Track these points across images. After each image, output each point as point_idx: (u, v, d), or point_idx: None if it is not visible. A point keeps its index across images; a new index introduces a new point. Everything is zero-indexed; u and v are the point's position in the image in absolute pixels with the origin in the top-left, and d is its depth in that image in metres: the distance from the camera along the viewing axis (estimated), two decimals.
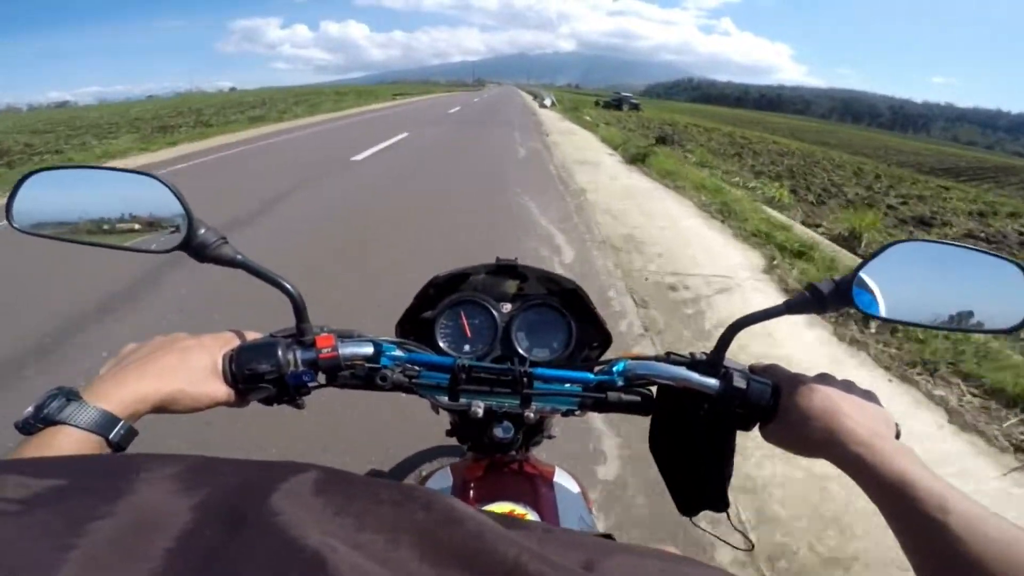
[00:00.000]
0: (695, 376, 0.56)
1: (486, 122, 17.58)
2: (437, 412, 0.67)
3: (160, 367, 0.47)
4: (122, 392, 0.44)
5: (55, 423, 0.40)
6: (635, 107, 39.17)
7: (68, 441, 0.39)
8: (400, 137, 11.43)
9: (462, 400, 0.60)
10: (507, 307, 0.71)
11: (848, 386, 0.51)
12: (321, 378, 0.56)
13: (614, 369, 0.60)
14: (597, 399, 0.60)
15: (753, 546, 0.61)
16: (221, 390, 0.50)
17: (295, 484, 0.25)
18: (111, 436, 0.41)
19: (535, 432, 0.74)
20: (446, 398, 0.60)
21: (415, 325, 0.72)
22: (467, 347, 0.69)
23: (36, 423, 0.40)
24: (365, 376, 0.58)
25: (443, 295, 0.72)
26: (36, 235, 0.51)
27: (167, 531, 0.22)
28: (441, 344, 0.69)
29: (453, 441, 0.78)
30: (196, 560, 0.21)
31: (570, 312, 0.70)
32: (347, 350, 0.56)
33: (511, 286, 0.73)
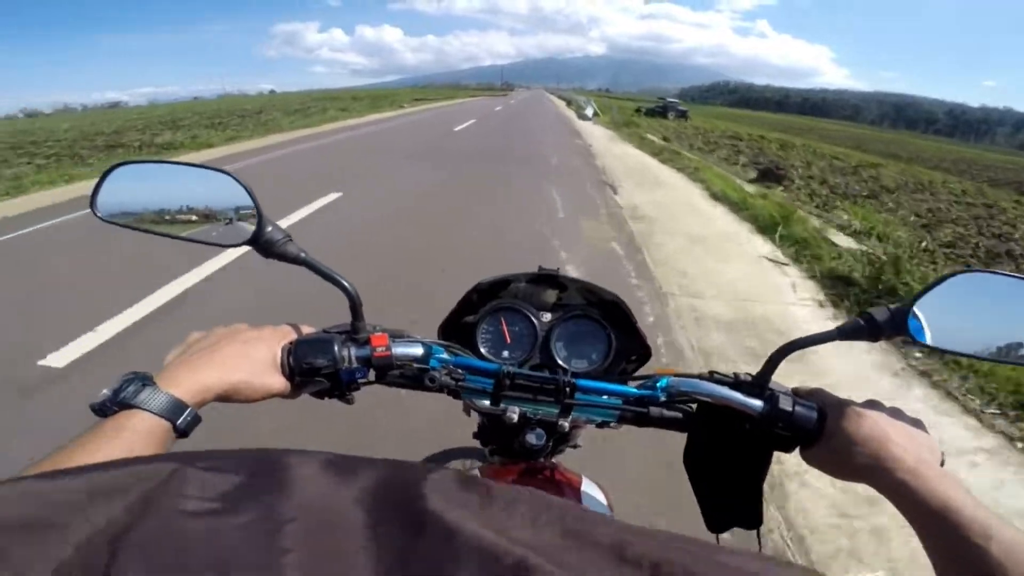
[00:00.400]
0: (740, 396, 0.56)
1: (503, 154, 9.66)
2: (468, 414, 0.69)
3: (225, 357, 0.49)
4: (191, 380, 0.45)
5: (129, 407, 0.42)
6: (683, 115, 32.49)
7: (140, 425, 0.41)
8: (317, 208, 5.34)
9: (501, 405, 0.61)
10: (547, 316, 0.72)
11: (896, 413, 0.51)
12: (371, 375, 0.58)
13: (657, 385, 0.60)
14: (638, 413, 0.60)
15: None
16: (279, 382, 0.51)
17: (439, 482, 0.26)
18: (179, 422, 0.43)
19: (562, 441, 0.74)
20: (487, 402, 0.61)
21: (457, 329, 0.73)
22: (506, 353, 0.71)
23: (112, 406, 0.42)
24: (413, 376, 0.59)
25: (485, 301, 0.73)
26: (115, 224, 0.54)
27: (352, 529, 0.22)
28: (482, 349, 0.70)
29: (474, 444, 0.79)
30: (392, 561, 0.21)
31: (610, 324, 0.71)
32: (399, 350, 0.58)
33: (551, 295, 0.74)
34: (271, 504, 0.23)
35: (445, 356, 0.61)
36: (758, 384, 0.57)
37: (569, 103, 39.71)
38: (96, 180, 0.52)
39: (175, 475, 0.24)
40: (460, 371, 0.61)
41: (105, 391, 0.43)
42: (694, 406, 0.61)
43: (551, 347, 0.70)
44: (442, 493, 0.25)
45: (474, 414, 0.70)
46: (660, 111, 32.43)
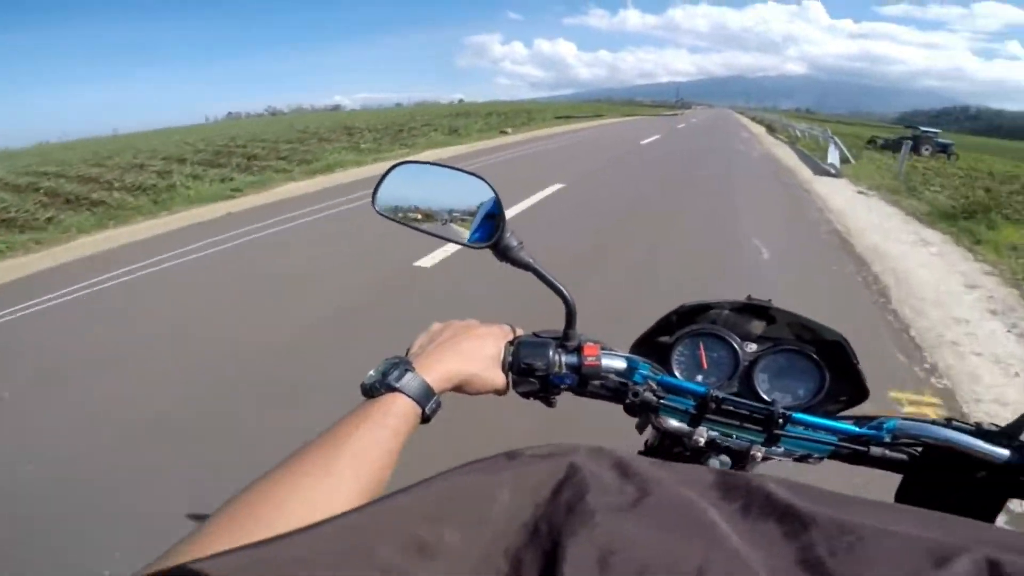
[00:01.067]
0: (983, 444, 0.54)
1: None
2: (641, 432, 0.69)
3: (466, 349, 0.53)
4: (440, 368, 0.49)
5: (394, 390, 0.45)
6: (945, 150, 22.07)
7: (401, 408, 0.45)
8: None
9: (698, 428, 0.61)
10: (752, 346, 0.71)
11: None
12: (575, 382, 0.60)
13: (884, 426, 0.58)
14: (856, 451, 0.59)
15: None
16: (500, 378, 0.55)
17: (762, 479, 0.29)
18: (427, 408, 0.46)
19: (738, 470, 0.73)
20: (685, 424, 0.62)
21: (649, 347, 0.73)
22: (700, 377, 0.70)
23: (380, 388, 0.45)
24: (615, 389, 0.61)
25: (683, 324, 0.73)
26: (387, 218, 0.62)
27: (762, 528, 0.25)
28: (675, 370, 0.70)
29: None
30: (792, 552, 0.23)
31: (826, 363, 0.67)
32: (606, 362, 0.60)
33: (757, 326, 0.72)
34: (657, 503, 0.25)
35: (648, 372, 0.62)
36: (1007, 434, 0.54)
37: (771, 130, 27.45)
38: (377, 179, 0.60)
39: (574, 471, 0.27)
40: (660, 388, 0.62)
41: (372, 372, 0.47)
42: (919, 449, 0.58)
43: (753, 378, 0.68)
44: (781, 485, 0.27)
45: (645, 434, 0.70)
46: (914, 145, 19.00)
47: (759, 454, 0.60)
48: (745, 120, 43.12)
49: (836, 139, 13.01)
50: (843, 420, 0.61)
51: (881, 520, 0.24)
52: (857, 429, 0.59)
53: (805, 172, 10.74)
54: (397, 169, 0.60)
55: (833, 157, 11.21)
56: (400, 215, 0.62)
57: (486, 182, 0.58)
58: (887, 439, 0.58)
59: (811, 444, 0.60)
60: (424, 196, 0.61)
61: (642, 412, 0.64)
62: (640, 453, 0.78)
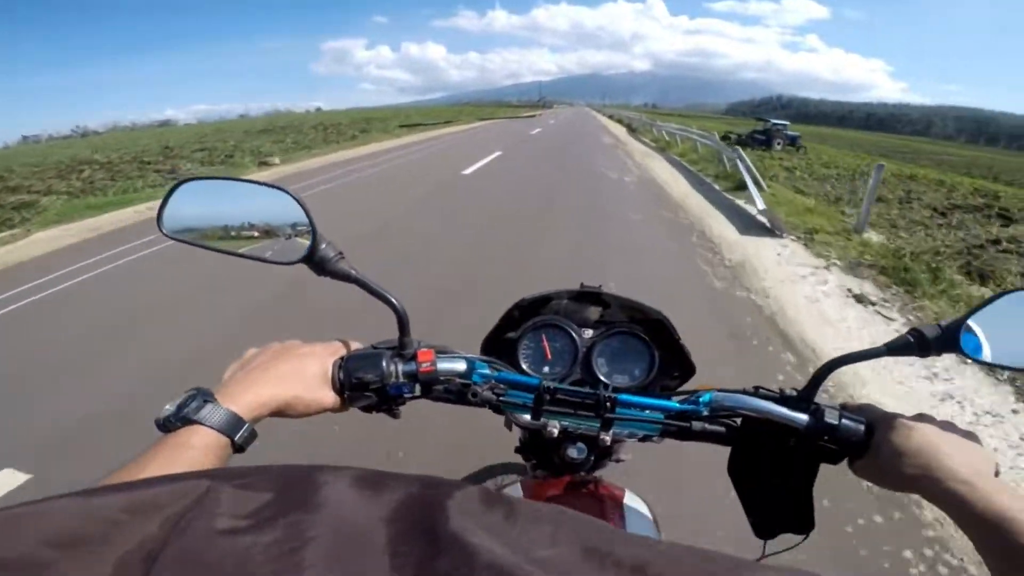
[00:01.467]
0: (785, 411, 0.57)
1: None
2: (510, 429, 0.71)
3: (281, 373, 0.51)
4: (249, 396, 0.48)
5: (192, 422, 0.43)
6: (794, 142, 21.23)
7: (201, 441, 0.43)
8: None
9: (542, 419, 0.63)
10: (588, 332, 0.74)
11: (948, 426, 0.51)
12: (416, 390, 0.60)
13: (700, 400, 0.62)
14: (680, 427, 0.62)
15: None
16: (330, 397, 0.54)
17: (464, 500, 0.27)
18: (236, 437, 0.45)
19: (605, 455, 0.76)
20: (528, 417, 0.63)
21: (499, 345, 0.75)
22: (547, 368, 0.73)
23: (176, 421, 0.44)
24: (457, 391, 0.61)
25: (526, 317, 0.75)
26: (178, 240, 0.57)
27: (373, 547, 0.23)
28: (523, 364, 0.73)
29: (517, 459, 0.81)
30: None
31: (654, 341, 0.72)
32: (443, 365, 0.60)
33: (593, 312, 0.76)
34: (297, 522, 0.24)
35: (487, 371, 0.63)
36: (804, 399, 0.58)
37: (633, 130, 24.05)
38: (161, 198, 0.55)
39: (209, 493, 0.25)
40: (502, 386, 0.63)
41: (168, 406, 0.45)
42: (738, 420, 0.62)
43: (592, 363, 0.72)
44: (465, 512, 0.26)
45: (516, 429, 0.72)
46: (761, 140, 20.52)
47: (607, 438, 0.62)
48: (603, 119, 40.02)
49: (742, 155, 8.08)
50: (668, 397, 0.64)
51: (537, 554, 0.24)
52: (679, 405, 0.62)
53: (718, 225, 5.95)
54: (185, 186, 0.56)
55: (755, 194, 6.56)
56: (194, 236, 0.58)
57: (290, 194, 0.55)
58: (706, 413, 0.61)
59: (642, 424, 0.63)
60: (221, 213, 0.57)
61: (494, 410, 0.64)
62: (516, 450, 0.80)
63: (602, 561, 0.24)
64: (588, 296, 0.76)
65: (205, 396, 0.45)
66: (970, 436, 0.51)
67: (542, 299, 0.75)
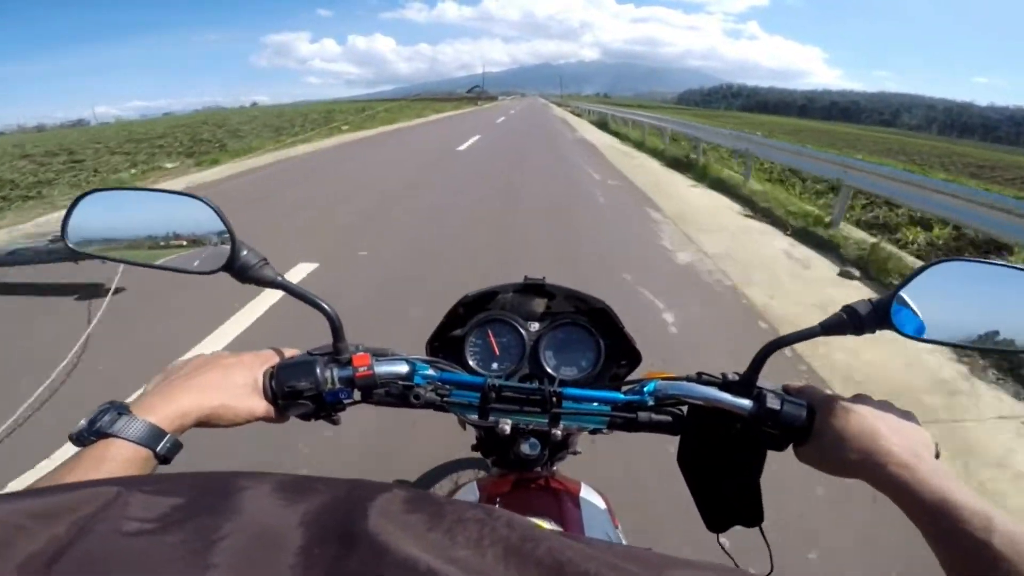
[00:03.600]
0: (728, 397, 0.57)
1: None
2: (464, 428, 0.70)
3: (203, 383, 0.51)
4: (168, 407, 0.47)
5: (107, 436, 0.43)
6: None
7: (120, 453, 0.43)
8: None
9: (491, 418, 0.63)
10: (535, 326, 0.75)
11: (886, 407, 0.52)
12: (356, 395, 0.59)
13: (644, 389, 0.62)
14: (626, 418, 0.62)
15: (772, 569, 0.60)
16: (261, 406, 0.53)
17: (386, 502, 0.28)
18: (158, 449, 0.45)
19: (560, 448, 0.76)
20: (475, 416, 0.63)
21: (445, 343, 0.75)
22: (495, 365, 0.73)
23: (89, 436, 0.43)
24: (399, 394, 0.61)
25: (472, 314, 0.75)
26: (88, 254, 0.55)
27: (285, 548, 0.24)
28: (470, 362, 0.73)
29: (476, 455, 0.81)
30: None
31: (599, 331, 0.73)
32: (382, 369, 0.59)
33: (539, 304, 0.77)
34: (208, 524, 0.24)
35: (430, 372, 0.63)
36: (745, 383, 0.58)
37: (603, 127, 19.49)
38: (66, 210, 0.53)
39: (119, 497, 0.26)
40: (446, 386, 0.63)
41: (82, 421, 0.44)
42: (684, 409, 0.62)
43: (540, 357, 0.72)
44: (386, 513, 0.27)
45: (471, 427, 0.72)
46: None
47: (559, 433, 0.63)
48: (561, 112, 35.16)
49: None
50: (615, 388, 0.64)
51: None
52: (623, 396, 0.62)
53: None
54: (90, 198, 0.54)
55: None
56: (105, 249, 0.56)
57: (205, 202, 0.54)
58: (651, 402, 0.62)
59: (589, 418, 0.63)
60: (132, 224, 0.56)
61: (439, 411, 0.64)
62: (473, 448, 0.80)
63: (522, 560, 0.25)
64: (533, 289, 0.76)
65: (119, 409, 0.45)
66: (908, 417, 0.52)
67: (487, 294, 0.75)
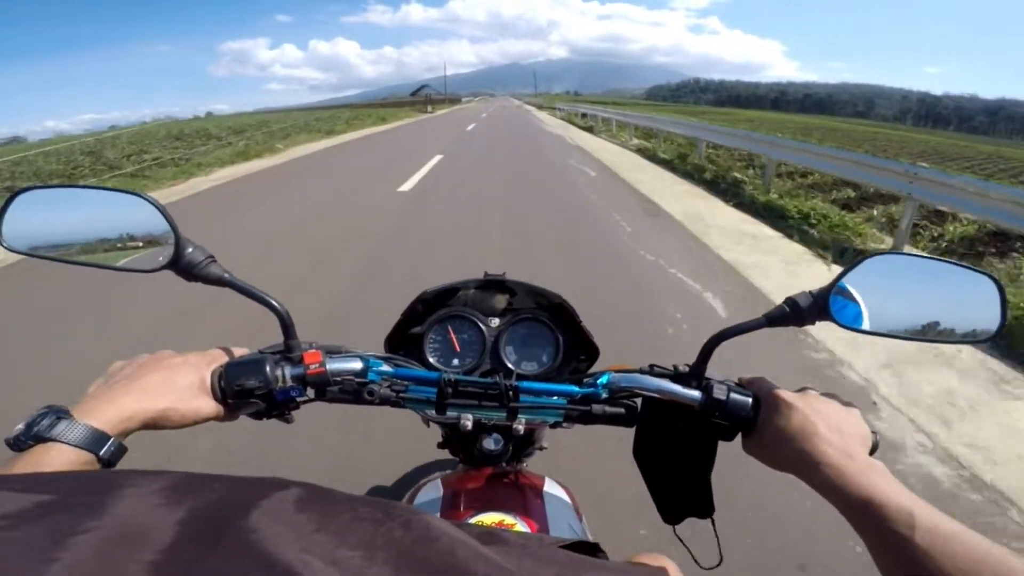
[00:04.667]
0: (677, 388, 0.59)
1: None
2: (428, 425, 0.71)
3: (147, 385, 0.50)
4: (111, 410, 0.46)
5: (45, 440, 0.42)
6: None
7: (59, 458, 0.42)
8: None
9: (450, 413, 0.63)
10: (495, 321, 0.76)
11: (829, 400, 0.53)
12: (310, 393, 0.60)
13: (598, 382, 0.63)
14: (582, 411, 0.63)
15: (721, 561, 0.62)
16: (209, 406, 0.53)
17: (277, 500, 0.27)
18: (101, 453, 0.44)
19: (525, 444, 0.78)
20: (434, 412, 0.63)
21: (405, 340, 0.76)
22: (456, 361, 0.74)
23: (27, 440, 0.42)
24: (353, 391, 0.61)
25: (432, 310, 0.76)
26: (26, 254, 0.54)
27: (149, 546, 0.23)
28: (430, 359, 0.73)
29: (447, 455, 0.83)
30: (176, 575, 0.22)
31: (558, 326, 0.74)
32: (335, 365, 0.59)
33: (500, 300, 0.78)
34: (66, 521, 0.24)
35: (385, 368, 0.63)
36: (694, 375, 0.60)
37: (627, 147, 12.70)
38: None
39: None
40: (403, 383, 0.63)
41: (19, 425, 0.43)
42: (638, 401, 0.63)
43: (500, 352, 0.73)
44: (270, 512, 0.26)
45: (436, 426, 0.73)
46: None
47: (520, 427, 0.64)
48: (550, 120, 27.10)
49: None
50: (573, 382, 0.65)
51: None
52: (578, 389, 0.63)
53: None
54: (25, 196, 0.53)
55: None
56: (41, 249, 0.55)
57: (146, 199, 0.53)
58: (604, 395, 0.63)
59: (545, 412, 0.64)
60: (72, 223, 0.55)
61: (394, 407, 0.64)
62: (439, 446, 0.81)
63: (413, 563, 0.25)
64: (494, 285, 0.77)
65: (58, 413, 0.44)
66: (849, 411, 0.53)
67: (448, 291, 0.76)
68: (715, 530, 0.63)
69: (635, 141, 14.01)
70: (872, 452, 0.50)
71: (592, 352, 0.76)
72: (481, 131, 19.36)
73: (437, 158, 10.44)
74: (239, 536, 0.24)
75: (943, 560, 0.37)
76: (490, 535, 0.31)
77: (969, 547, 0.37)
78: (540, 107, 45.19)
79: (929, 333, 0.54)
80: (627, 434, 0.65)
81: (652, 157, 10.88)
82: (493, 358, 0.74)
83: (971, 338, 0.54)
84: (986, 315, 0.52)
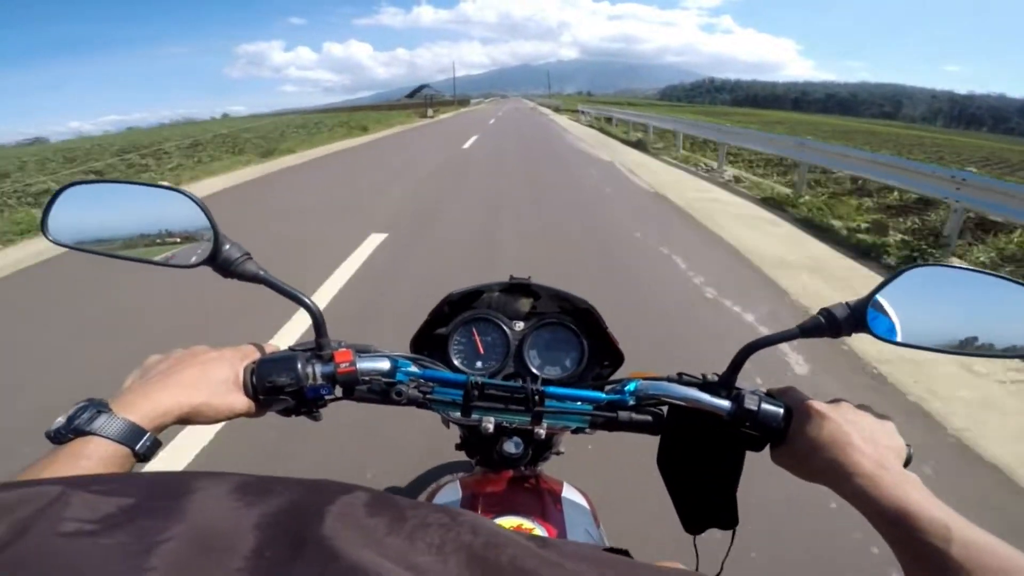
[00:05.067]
0: (707, 397, 0.59)
1: None
2: (448, 426, 0.71)
3: (183, 380, 0.50)
4: (148, 405, 0.47)
5: (85, 434, 0.43)
6: None
7: (97, 451, 0.43)
8: None
9: (474, 416, 0.63)
10: (520, 325, 0.76)
11: (863, 412, 0.53)
12: (338, 391, 0.60)
13: (626, 389, 0.63)
14: (608, 418, 0.63)
15: (719, 572, 0.61)
16: (242, 402, 0.54)
17: (346, 505, 0.28)
18: (137, 447, 0.45)
19: (544, 448, 0.78)
20: (458, 414, 0.64)
21: (429, 341, 0.76)
22: (479, 364, 0.74)
23: (67, 433, 0.43)
24: (381, 391, 0.61)
25: (457, 312, 0.76)
26: (69, 248, 0.55)
27: (233, 552, 0.23)
28: (454, 360, 0.74)
29: (463, 456, 0.83)
30: None
31: (583, 331, 0.74)
32: (364, 365, 0.60)
33: (525, 304, 0.78)
34: (152, 526, 0.24)
35: (413, 369, 0.63)
36: (724, 384, 0.60)
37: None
38: (46, 203, 0.52)
39: (61, 497, 0.25)
40: (429, 384, 0.64)
41: (60, 418, 0.44)
42: (665, 409, 0.63)
43: (524, 356, 0.73)
44: (343, 516, 0.26)
45: (455, 427, 0.72)
46: None
47: (542, 432, 0.64)
48: (562, 122, 24.67)
49: None
50: (598, 388, 0.65)
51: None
52: (604, 395, 0.64)
53: None
54: (71, 190, 0.54)
55: None
56: (86, 243, 0.56)
57: (188, 195, 0.54)
58: (631, 402, 0.63)
59: (571, 417, 0.64)
60: (115, 218, 0.56)
61: (421, 408, 0.65)
62: (457, 447, 0.82)
63: (485, 567, 0.25)
64: (518, 288, 0.77)
65: (98, 407, 0.45)
66: (883, 423, 0.52)
67: (472, 293, 0.76)
68: (732, 542, 0.63)
69: (730, 171, 9.41)
70: (906, 464, 0.50)
71: (616, 359, 0.76)
72: (483, 151, 13.05)
73: (361, 254, 4.61)
74: (321, 542, 0.24)
75: (977, 572, 0.37)
76: (543, 541, 0.31)
77: (1004, 560, 0.37)
78: (558, 109, 37.79)
79: (968, 347, 0.53)
80: (633, 440, 0.64)
81: (814, 226, 5.90)
82: (517, 362, 0.74)
83: (1012, 353, 0.53)
84: None
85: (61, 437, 0.43)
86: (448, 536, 0.27)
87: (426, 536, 0.27)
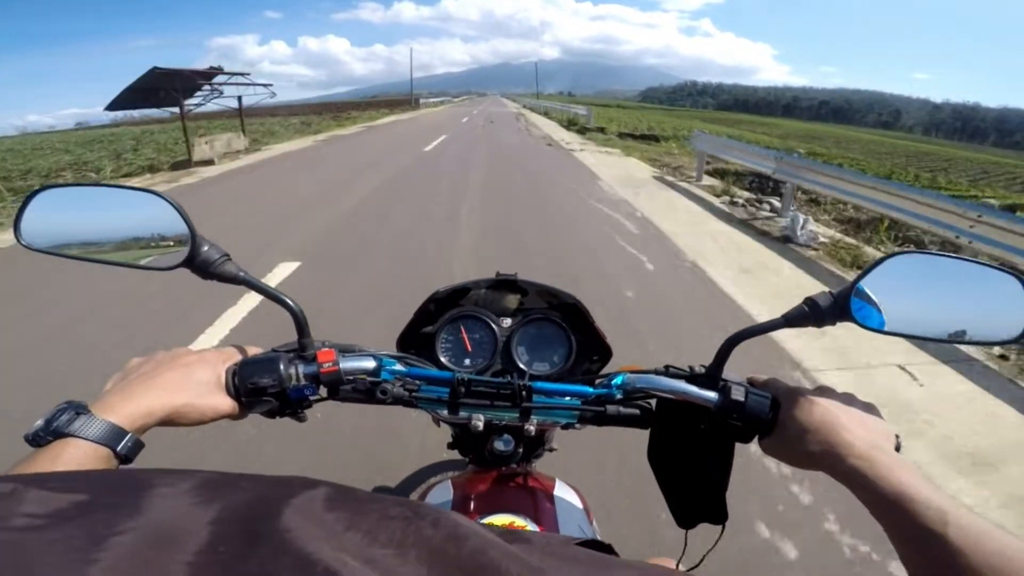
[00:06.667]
0: (694, 389, 0.59)
1: None
2: (439, 425, 0.71)
3: (165, 381, 0.50)
4: (129, 406, 0.47)
5: (64, 435, 0.43)
6: None
7: (77, 453, 0.42)
8: None
9: (462, 413, 0.63)
10: (507, 321, 0.76)
11: (848, 399, 0.54)
12: (323, 391, 0.60)
13: (613, 383, 0.63)
14: (596, 412, 0.63)
15: (697, 566, 0.62)
16: (225, 403, 0.53)
17: (307, 500, 0.28)
18: (119, 448, 0.44)
19: (536, 445, 0.79)
20: (446, 411, 0.63)
21: (417, 340, 0.76)
22: (468, 361, 0.74)
23: (46, 435, 0.43)
24: (366, 390, 0.61)
25: (444, 310, 0.76)
26: (43, 252, 0.54)
27: (185, 546, 0.23)
28: (442, 358, 0.73)
29: (456, 455, 0.83)
30: (214, 575, 0.22)
31: (570, 326, 0.75)
32: (348, 364, 0.60)
33: (512, 300, 0.78)
34: (103, 520, 0.24)
35: (398, 367, 0.63)
36: (711, 376, 0.60)
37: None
38: (18, 207, 0.51)
39: (13, 493, 0.25)
40: (415, 382, 0.63)
41: (38, 421, 0.44)
42: (653, 402, 0.63)
43: (512, 352, 0.74)
44: (302, 511, 0.27)
45: (447, 427, 0.73)
46: None
47: (532, 428, 0.63)
48: (560, 138, 15.98)
49: None
50: (586, 382, 0.65)
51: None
52: (592, 390, 0.63)
53: None
54: (44, 194, 0.53)
55: None
56: (59, 247, 0.55)
57: (163, 197, 0.53)
58: (619, 396, 0.63)
59: (559, 412, 0.64)
60: (91, 221, 0.55)
61: (407, 407, 0.64)
62: (449, 446, 0.82)
63: (445, 561, 0.25)
64: (505, 284, 0.77)
65: (77, 408, 0.45)
66: (870, 409, 0.53)
67: (459, 290, 0.76)
68: (718, 538, 0.63)
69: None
70: (896, 450, 0.50)
71: (605, 353, 0.76)
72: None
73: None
74: (275, 536, 0.24)
75: (976, 557, 0.37)
76: (512, 535, 0.31)
77: (1001, 544, 0.37)
78: (547, 114, 31.24)
79: (952, 334, 0.54)
80: (614, 433, 0.64)
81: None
82: (505, 358, 0.74)
83: (994, 339, 0.53)
84: (1011, 315, 0.52)
85: (40, 440, 0.43)
86: (409, 530, 0.27)
87: (387, 530, 0.27)
